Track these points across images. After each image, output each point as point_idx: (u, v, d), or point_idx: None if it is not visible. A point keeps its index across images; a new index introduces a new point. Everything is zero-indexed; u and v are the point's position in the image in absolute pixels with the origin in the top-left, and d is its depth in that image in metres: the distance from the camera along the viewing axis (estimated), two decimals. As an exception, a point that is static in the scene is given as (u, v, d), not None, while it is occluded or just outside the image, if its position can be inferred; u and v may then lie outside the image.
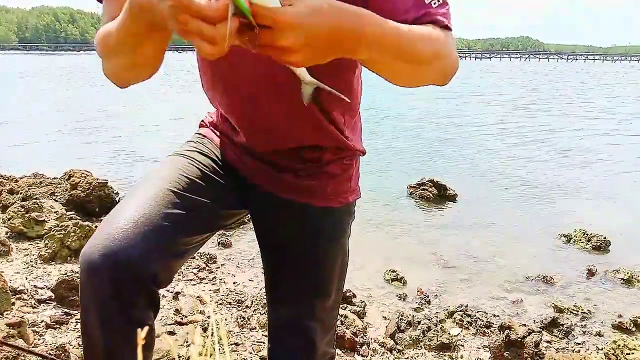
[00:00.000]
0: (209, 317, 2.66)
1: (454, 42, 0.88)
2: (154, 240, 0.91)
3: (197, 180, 1.07)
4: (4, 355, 1.89)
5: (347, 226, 1.22)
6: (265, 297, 1.33)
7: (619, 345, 2.47)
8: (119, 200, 4.68)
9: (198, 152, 1.15)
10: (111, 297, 0.87)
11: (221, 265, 3.61)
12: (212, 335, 0.51)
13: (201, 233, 1.05)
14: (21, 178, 5.06)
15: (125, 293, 0.87)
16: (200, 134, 1.24)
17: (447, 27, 0.87)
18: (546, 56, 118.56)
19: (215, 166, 1.14)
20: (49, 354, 2.00)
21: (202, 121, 1.28)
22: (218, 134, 1.21)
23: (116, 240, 0.87)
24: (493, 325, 2.95)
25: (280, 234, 1.17)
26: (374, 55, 0.75)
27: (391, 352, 2.65)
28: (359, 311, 2.97)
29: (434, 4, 0.86)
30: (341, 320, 2.62)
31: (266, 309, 1.28)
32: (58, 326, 2.45)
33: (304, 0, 0.64)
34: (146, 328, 0.55)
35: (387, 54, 0.76)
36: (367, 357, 2.55)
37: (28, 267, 3.18)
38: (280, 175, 1.14)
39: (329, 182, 1.16)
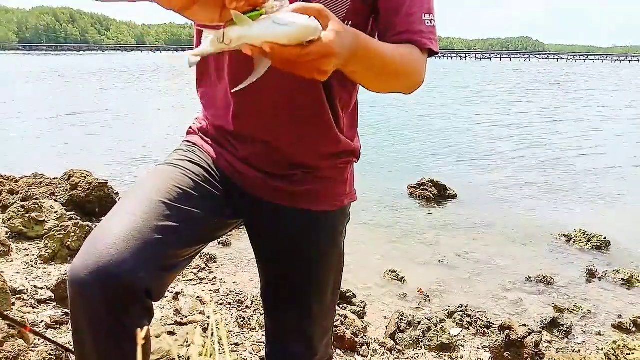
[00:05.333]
0: (209, 317, 2.66)
1: (426, 62, 1.03)
2: (145, 255, 0.88)
3: (189, 191, 1.03)
4: (4, 355, 1.89)
5: (343, 228, 1.21)
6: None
7: (619, 345, 2.47)
8: (118, 201, 4.67)
9: (188, 160, 1.11)
10: (103, 313, 0.85)
11: (221, 265, 3.61)
12: (212, 335, 0.51)
13: (194, 245, 1.02)
14: (21, 178, 5.06)
15: (117, 308, 0.85)
16: (189, 141, 1.19)
17: (426, 49, 1.01)
18: (546, 56, 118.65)
19: (207, 175, 1.10)
20: (49, 354, 2.00)
21: (190, 127, 1.23)
22: (208, 140, 1.17)
23: (106, 256, 0.84)
24: (493, 325, 2.95)
25: (276, 240, 1.16)
26: (359, 69, 0.87)
27: (391, 352, 2.65)
28: (359, 311, 2.97)
29: (427, 23, 1.01)
30: (341, 320, 2.62)
31: (263, 308, 1.26)
32: (58, 326, 2.45)
33: (333, 24, 0.74)
34: (144, 330, 0.55)
35: (368, 69, 0.90)
36: (367, 357, 2.55)
37: (28, 267, 3.18)
38: (273, 182, 1.11)
39: (324, 186, 1.15)
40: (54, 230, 3.39)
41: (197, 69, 1.15)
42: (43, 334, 1.94)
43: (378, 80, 0.96)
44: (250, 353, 2.42)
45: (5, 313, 2.26)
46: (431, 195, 5.81)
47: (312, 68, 0.74)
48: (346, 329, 2.58)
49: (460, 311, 3.09)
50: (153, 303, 0.91)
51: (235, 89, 0.78)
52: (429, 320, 2.88)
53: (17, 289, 2.73)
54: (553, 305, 3.35)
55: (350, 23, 1.01)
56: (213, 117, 1.16)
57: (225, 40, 0.72)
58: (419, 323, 2.82)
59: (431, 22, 1.01)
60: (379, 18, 1.03)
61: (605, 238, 4.46)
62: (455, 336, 2.84)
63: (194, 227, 1.00)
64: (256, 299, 2.94)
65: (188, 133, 1.24)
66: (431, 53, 1.03)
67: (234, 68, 1.04)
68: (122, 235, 0.88)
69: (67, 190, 4.57)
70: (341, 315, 2.66)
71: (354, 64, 0.85)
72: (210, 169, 1.12)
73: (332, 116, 1.10)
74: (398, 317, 2.84)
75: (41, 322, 2.44)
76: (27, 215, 3.73)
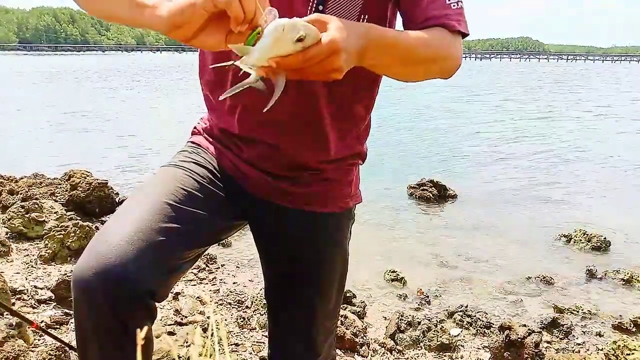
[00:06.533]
0: (209, 317, 2.66)
1: (460, 44, 1.00)
2: (150, 257, 0.88)
3: (194, 192, 1.03)
4: (4, 355, 1.89)
5: (348, 230, 1.21)
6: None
7: (619, 346, 2.47)
8: (119, 201, 4.67)
9: (193, 162, 1.11)
10: (106, 314, 0.85)
11: (221, 265, 3.61)
12: (212, 335, 0.51)
13: (199, 246, 1.02)
14: (21, 178, 5.06)
15: (121, 310, 0.85)
16: (193, 142, 1.19)
17: (457, 31, 0.99)
18: (546, 56, 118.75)
19: (212, 176, 1.10)
20: (49, 354, 2.00)
21: (195, 128, 1.23)
22: (213, 141, 1.16)
23: (110, 258, 0.84)
24: (493, 326, 2.95)
25: (280, 241, 1.16)
26: (377, 61, 0.88)
27: (391, 353, 2.65)
28: (359, 311, 2.97)
29: (453, 6, 0.98)
30: (341, 321, 2.62)
31: (267, 309, 1.26)
32: (58, 326, 2.46)
33: (333, 23, 0.75)
34: (144, 330, 0.55)
35: (390, 59, 0.90)
36: (367, 357, 2.55)
37: (28, 268, 3.18)
38: (278, 183, 1.11)
39: (329, 187, 1.14)
40: (54, 231, 3.39)
41: (200, 72, 1.15)
42: (48, 331, 1.94)
43: (405, 69, 0.95)
44: (250, 353, 2.42)
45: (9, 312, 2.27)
46: (431, 195, 5.80)
47: (324, 69, 0.75)
48: (346, 329, 2.58)
49: (460, 311, 3.08)
50: (156, 304, 0.91)
51: (265, 109, 0.78)
52: (429, 320, 2.88)
53: (17, 289, 2.73)
54: (553, 305, 3.35)
55: (365, 17, 1.02)
56: (218, 119, 1.15)
57: (243, 69, 0.76)
58: (419, 323, 2.82)
59: (457, 4, 0.99)
60: (402, 8, 1.03)
61: (605, 238, 4.46)
62: (455, 336, 2.84)
63: (198, 228, 1.00)
64: (256, 299, 2.94)
65: (193, 133, 1.23)
66: (463, 35, 1.01)
67: (235, 72, 1.04)
68: (127, 237, 0.88)
69: (67, 190, 4.57)
70: (341, 315, 2.66)
71: (371, 56, 0.85)
72: (214, 170, 1.12)
73: (340, 124, 1.10)
74: (398, 317, 2.84)
75: (41, 322, 2.43)
76: (27, 216, 3.73)
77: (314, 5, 0.98)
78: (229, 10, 0.71)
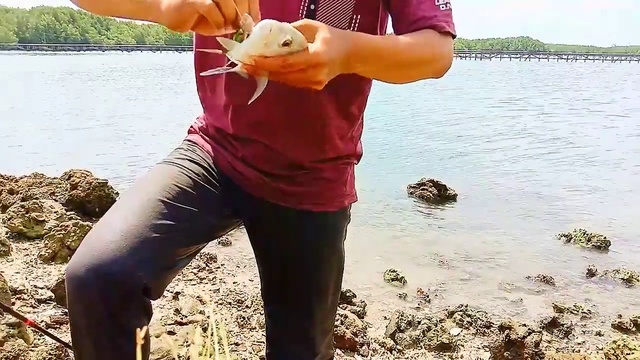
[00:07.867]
0: (209, 317, 2.66)
1: (450, 44, 1.00)
2: (143, 253, 0.88)
3: (189, 190, 1.03)
4: (4, 355, 1.89)
5: (343, 229, 1.21)
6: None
7: (619, 345, 2.47)
8: (118, 199, 4.67)
9: (189, 159, 1.11)
10: (101, 311, 0.85)
11: (221, 265, 3.61)
12: (212, 335, 0.51)
13: (193, 244, 1.02)
14: (21, 178, 5.06)
15: (115, 307, 0.85)
16: (189, 140, 1.19)
17: (446, 32, 0.99)
18: (546, 56, 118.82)
19: (207, 174, 1.10)
20: (49, 354, 2.00)
21: (191, 127, 1.23)
22: (209, 140, 1.16)
23: (104, 254, 0.84)
24: (493, 325, 2.95)
25: (276, 240, 1.16)
26: (364, 69, 0.90)
27: (391, 352, 2.65)
28: (359, 311, 2.97)
29: (442, 7, 0.99)
30: (341, 320, 2.62)
31: (264, 308, 1.26)
32: (58, 326, 2.45)
33: (320, 35, 0.77)
34: (143, 330, 0.55)
35: (380, 66, 0.92)
36: (367, 357, 2.55)
37: (28, 267, 3.18)
38: (273, 182, 1.11)
39: (324, 187, 1.14)
40: (54, 230, 3.39)
41: (197, 72, 1.15)
42: (42, 327, 1.95)
43: (395, 73, 0.97)
44: (250, 353, 2.42)
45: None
46: (431, 195, 5.81)
47: (305, 79, 0.76)
48: (346, 328, 2.58)
49: (460, 311, 3.09)
50: (151, 302, 0.91)
51: (251, 100, 0.80)
52: (429, 320, 2.87)
53: (17, 289, 2.73)
54: (553, 305, 3.35)
55: (358, 18, 1.02)
56: (213, 119, 1.16)
57: (230, 59, 0.78)
58: (419, 323, 2.82)
59: (446, 6, 1.00)
60: (392, 9, 1.03)
61: (605, 238, 4.46)
62: (455, 336, 2.84)
63: (192, 226, 1.00)
64: (256, 299, 2.94)
65: (189, 132, 1.23)
66: (452, 36, 1.01)
67: (229, 73, 1.05)
68: (121, 233, 0.88)
69: (67, 190, 4.57)
70: (341, 315, 2.66)
71: (360, 65, 0.87)
72: (210, 169, 1.12)
73: (334, 123, 1.10)
74: (398, 317, 2.84)
75: (41, 322, 2.44)
76: (27, 215, 3.73)
77: (306, 5, 0.98)
78: (209, 17, 0.74)
